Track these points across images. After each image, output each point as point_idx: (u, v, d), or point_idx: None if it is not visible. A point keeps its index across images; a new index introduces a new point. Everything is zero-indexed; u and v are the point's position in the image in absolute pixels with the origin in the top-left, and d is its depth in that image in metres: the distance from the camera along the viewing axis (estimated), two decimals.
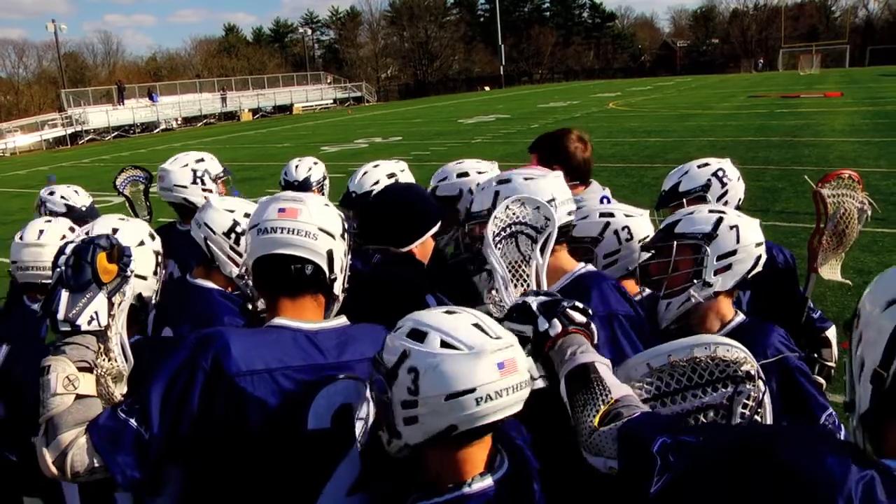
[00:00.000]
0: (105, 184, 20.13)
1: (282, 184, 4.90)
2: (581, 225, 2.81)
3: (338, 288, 2.05)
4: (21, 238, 2.98)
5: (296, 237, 1.95)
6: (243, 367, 1.80)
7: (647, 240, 2.73)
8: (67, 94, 45.67)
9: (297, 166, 4.90)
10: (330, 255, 1.98)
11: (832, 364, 3.54)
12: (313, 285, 2.00)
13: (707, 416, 1.67)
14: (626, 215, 3.04)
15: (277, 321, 1.96)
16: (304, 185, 4.72)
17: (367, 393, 1.88)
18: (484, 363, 1.55)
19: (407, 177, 3.86)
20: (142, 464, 1.73)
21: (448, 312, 1.67)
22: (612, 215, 3.01)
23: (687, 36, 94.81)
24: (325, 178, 4.95)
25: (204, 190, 3.95)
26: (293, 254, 1.95)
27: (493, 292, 2.20)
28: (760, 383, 1.67)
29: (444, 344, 1.57)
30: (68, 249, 1.91)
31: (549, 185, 2.36)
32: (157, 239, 2.48)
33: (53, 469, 1.71)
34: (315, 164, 4.96)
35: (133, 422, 1.73)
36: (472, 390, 1.53)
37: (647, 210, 3.13)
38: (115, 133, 43.69)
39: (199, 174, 3.98)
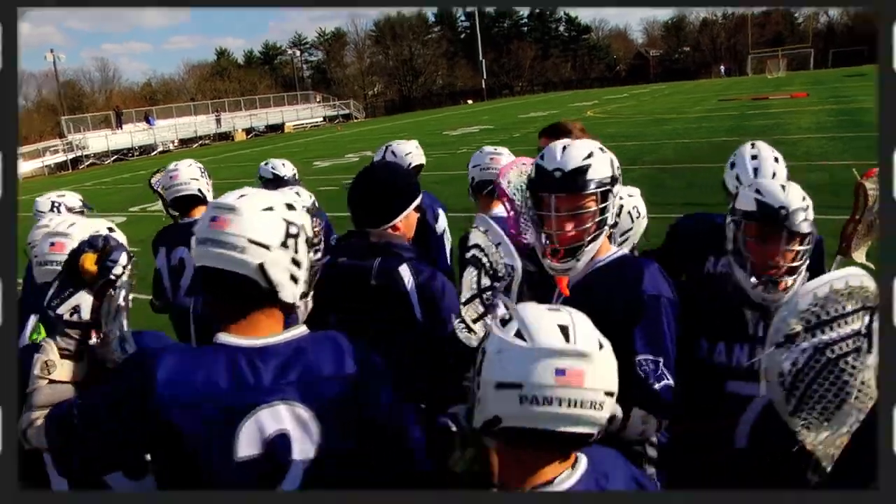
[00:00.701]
0: (106, 205, 20.06)
1: (269, 177, 5.48)
2: None
3: (289, 296, 1.84)
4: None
5: (222, 251, 1.75)
6: (167, 397, 1.69)
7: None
8: (67, 120, 45.35)
9: (284, 164, 5.58)
10: (262, 267, 1.76)
11: None
12: (255, 299, 1.81)
13: (853, 342, 1.70)
14: (629, 195, 3.10)
15: (222, 338, 1.80)
16: (289, 182, 5.32)
17: (308, 417, 1.78)
18: (540, 363, 1.43)
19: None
20: (78, 458, 1.78)
21: (551, 309, 1.56)
22: (620, 197, 3.04)
23: (659, 45, 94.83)
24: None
25: (207, 183, 4.53)
26: (222, 268, 1.76)
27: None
28: None
29: (517, 334, 1.48)
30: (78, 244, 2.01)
31: None
32: (116, 234, 2.44)
33: (21, 438, 1.81)
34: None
35: (77, 420, 1.74)
36: (519, 386, 1.44)
37: (637, 188, 3.19)
38: (115, 157, 43.41)
39: (202, 170, 4.54)
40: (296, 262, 1.82)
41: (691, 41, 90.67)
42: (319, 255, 1.97)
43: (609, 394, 1.48)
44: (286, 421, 1.76)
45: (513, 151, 3.98)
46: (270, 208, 1.80)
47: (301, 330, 1.87)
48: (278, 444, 1.75)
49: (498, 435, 1.50)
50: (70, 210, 4.51)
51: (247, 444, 1.72)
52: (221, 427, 1.71)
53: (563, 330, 1.47)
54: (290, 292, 1.83)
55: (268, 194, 1.87)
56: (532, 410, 1.42)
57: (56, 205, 4.56)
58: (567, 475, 1.54)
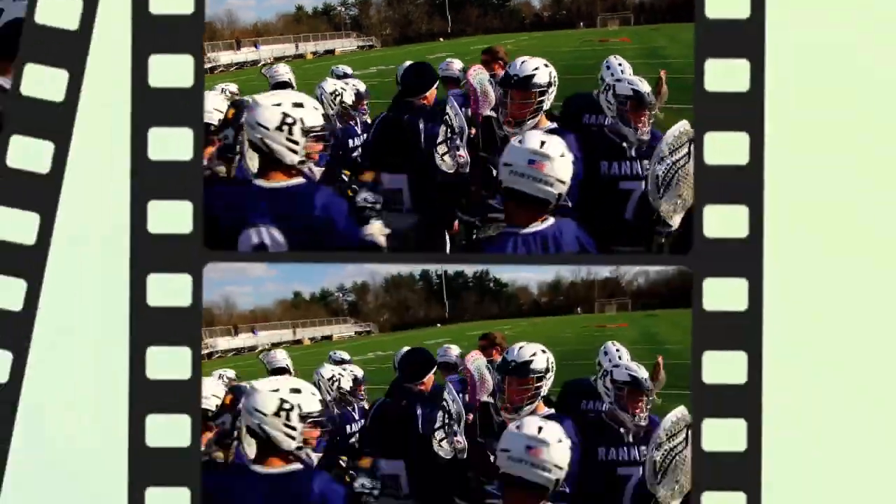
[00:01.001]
0: None
1: (340, 74, 4.76)
2: None
3: (288, 161, 1.49)
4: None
5: (249, 128, 1.41)
6: (216, 207, 1.42)
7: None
8: (206, 45, 41.52)
9: (346, 67, 4.83)
10: (262, 140, 1.41)
11: None
12: (269, 160, 1.48)
13: (686, 158, 1.67)
14: None
15: (254, 181, 1.49)
16: (350, 76, 4.72)
17: (281, 238, 1.53)
18: (521, 154, 1.28)
19: None
20: None
21: (544, 136, 1.39)
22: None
23: (548, 10, 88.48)
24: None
25: (292, 77, 4.04)
26: (249, 138, 1.45)
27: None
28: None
29: (518, 140, 1.35)
30: None
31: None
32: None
33: None
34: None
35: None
36: (511, 165, 1.31)
37: None
38: (235, 66, 39.57)
39: (291, 69, 3.99)
40: (291, 141, 1.39)
41: (565, 7, 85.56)
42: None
43: (559, 181, 1.35)
44: (265, 237, 1.40)
45: (467, 65, 3.66)
46: (279, 104, 1.40)
47: (297, 181, 1.46)
48: (257, 250, 1.45)
49: (502, 192, 1.42)
50: (232, 93, 4.03)
51: (240, 248, 1.42)
52: (232, 231, 1.41)
53: (542, 143, 1.36)
54: (289, 159, 1.40)
55: (288, 96, 1.47)
56: (514, 178, 1.36)
57: (223, 89, 3.98)
58: (537, 225, 1.37)
